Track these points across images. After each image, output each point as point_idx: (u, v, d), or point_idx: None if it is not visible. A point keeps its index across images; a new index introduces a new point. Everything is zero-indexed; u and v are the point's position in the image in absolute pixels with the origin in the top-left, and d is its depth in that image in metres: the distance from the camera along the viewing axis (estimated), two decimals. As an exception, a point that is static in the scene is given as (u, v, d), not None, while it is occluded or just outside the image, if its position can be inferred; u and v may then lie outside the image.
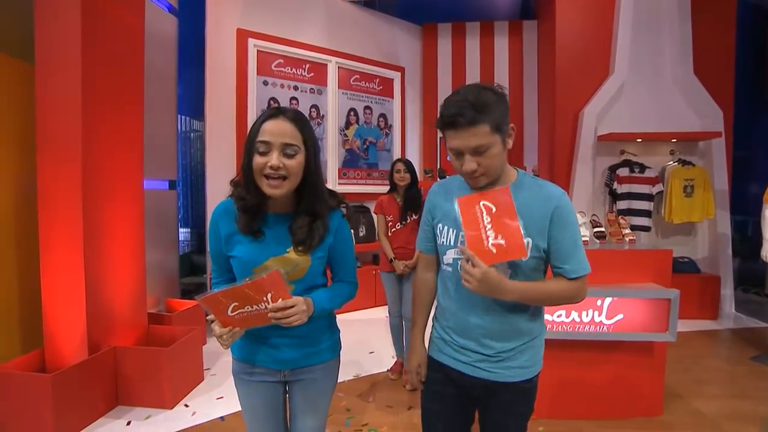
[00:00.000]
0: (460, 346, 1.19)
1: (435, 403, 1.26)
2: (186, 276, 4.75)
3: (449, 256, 1.17)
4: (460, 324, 1.18)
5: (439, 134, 5.80)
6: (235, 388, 1.28)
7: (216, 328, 1.08)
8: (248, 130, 1.12)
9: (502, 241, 1.02)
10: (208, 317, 1.09)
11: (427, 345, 1.31)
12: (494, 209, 1.03)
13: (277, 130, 1.06)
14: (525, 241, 1.05)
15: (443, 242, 1.19)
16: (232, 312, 1.05)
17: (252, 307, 1.04)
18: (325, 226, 1.16)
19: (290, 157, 1.07)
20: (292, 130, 1.08)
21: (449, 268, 1.18)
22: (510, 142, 1.11)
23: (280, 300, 1.04)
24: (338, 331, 1.33)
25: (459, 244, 1.12)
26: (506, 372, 1.15)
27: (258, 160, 1.07)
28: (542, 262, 1.14)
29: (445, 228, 1.18)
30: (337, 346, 1.31)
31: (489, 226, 1.03)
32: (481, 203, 1.04)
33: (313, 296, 1.14)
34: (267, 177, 1.07)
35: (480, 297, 1.10)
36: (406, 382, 2.83)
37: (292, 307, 1.05)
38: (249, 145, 1.09)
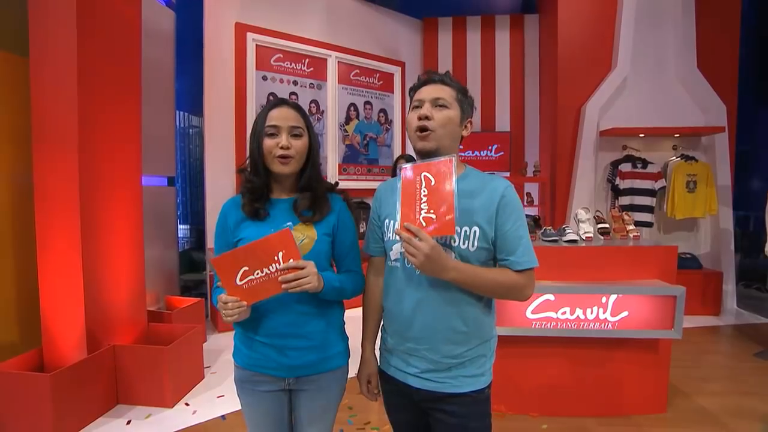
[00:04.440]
0: (405, 352, 1.13)
1: (394, 414, 1.24)
2: (185, 273, 4.72)
3: (396, 251, 1.13)
4: (406, 324, 1.11)
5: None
6: (238, 396, 1.24)
7: (223, 295, 1.06)
8: (253, 123, 1.21)
9: (433, 216, 1.00)
10: (217, 284, 1.12)
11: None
12: (433, 182, 1.01)
13: (284, 115, 1.17)
14: (472, 230, 1.06)
15: (390, 237, 1.15)
16: (240, 280, 1.04)
17: (262, 272, 1.04)
18: (327, 203, 1.21)
19: (297, 138, 1.18)
20: (297, 116, 1.19)
21: (397, 264, 1.14)
22: (465, 132, 1.15)
23: (291, 260, 1.04)
24: (348, 338, 1.29)
25: (395, 228, 1.05)
26: (454, 382, 1.09)
27: (268, 142, 1.16)
28: (490, 255, 1.10)
29: (392, 223, 1.15)
30: (346, 353, 1.27)
31: (424, 199, 1.01)
32: (423, 174, 1.03)
33: (322, 273, 1.14)
34: (276, 157, 1.15)
35: (429, 291, 1.07)
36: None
37: (303, 268, 1.05)
38: (257, 131, 1.18)
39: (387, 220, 1.17)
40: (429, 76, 1.14)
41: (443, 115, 1.09)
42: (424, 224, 1.00)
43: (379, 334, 1.26)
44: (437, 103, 1.10)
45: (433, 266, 0.99)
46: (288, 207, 1.20)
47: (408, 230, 0.99)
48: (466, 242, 1.06)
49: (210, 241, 4.04)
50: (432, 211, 1.00)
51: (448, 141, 1.10)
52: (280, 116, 1.16)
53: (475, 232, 1.06)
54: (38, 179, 2.31)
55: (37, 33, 2.28)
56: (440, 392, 1.10)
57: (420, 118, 1.09)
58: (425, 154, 1.10)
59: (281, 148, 1.14)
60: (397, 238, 1.05)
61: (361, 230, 4.91)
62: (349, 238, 1.25)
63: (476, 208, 1.07)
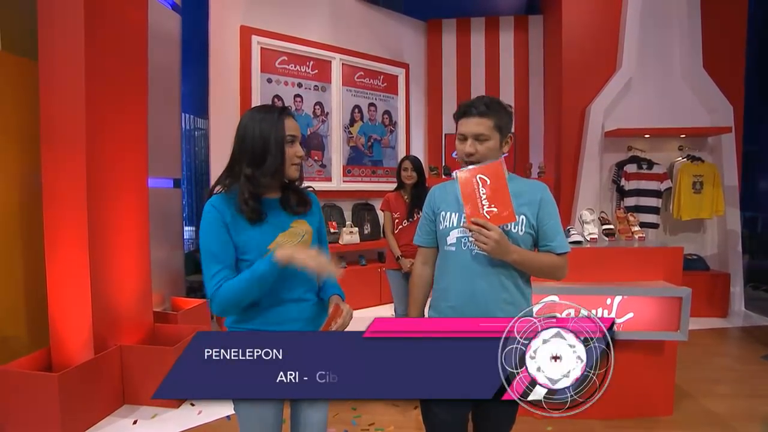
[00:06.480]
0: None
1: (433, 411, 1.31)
2: (191, 274, 4.75)
3: (453, 236, 1.31)
4: (467, 296, 1.28)
5: (444, 131, 5.74)
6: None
7: None
8: (266, 128, 1.18)
9: (495, 209, 1.21)
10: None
11: None
12: (489, 181, 1.21)
13: (295, 126, 1.25)
14: (520, 217, 1.27)
15: (446, 225, 1.33)
16: None
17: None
18: (305, 196, 1.32)
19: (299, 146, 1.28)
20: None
21: (453, 248, 1.32)
22: (506, 148, 1.34)
23: (339, 319, 1.20)
24: None
25: (463, 223, 1.27)
26: None
27: (289, 149, 1.22)
28: (533, 240, 1.32)
29: (448, 213, 1.34)
30: None
31: (484, 197, 1.21)
32: (478, 176, 1.22)
33: (336, 291, 1.29)
34: (294, 164, 1.24)
35: (485, 268, 1.26)
36: None
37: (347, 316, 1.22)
38: (279, 138, 1.19)
39: (443, 212, 1.35)
40: (468, 109, 1.30)
41: (485, 147, 1.29)
42: (488, 217, 1.21)
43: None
44: (479, 139, 1.28)
45: (500, 250, 1.20)
46: (277, 205, 1.26)
47: (476, 224, 1.20)
48: (516, 227, 1.28)
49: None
50: (493, 205, 1.21)
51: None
52: (294, 127, 1.23)
53: (522, 219, 1.29)
54: (46, 181, 2.34)
55: (46, 37, 2.31)
56: None
57: (467, 155, 1.30)
58: None
59: (299, 157, 1.24)
60: (454, 224, 1.30)
61: (365, 232, 4.93)
62: (324, 232, 1.39)
63: (522, 203, 1.29)
